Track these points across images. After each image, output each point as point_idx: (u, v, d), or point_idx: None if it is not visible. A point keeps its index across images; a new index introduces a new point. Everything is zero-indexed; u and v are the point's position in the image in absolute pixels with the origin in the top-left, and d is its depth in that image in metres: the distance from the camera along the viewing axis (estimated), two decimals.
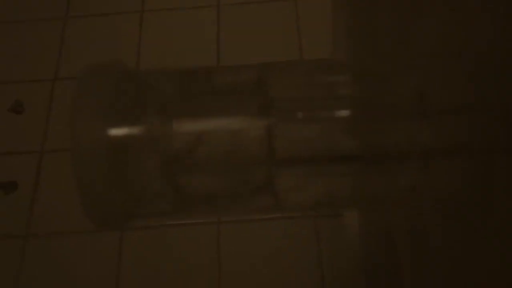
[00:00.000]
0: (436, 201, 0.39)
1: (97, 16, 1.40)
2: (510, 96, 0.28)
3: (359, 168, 0.36)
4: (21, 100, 1.28)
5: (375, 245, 0.75)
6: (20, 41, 1.37)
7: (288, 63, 0.36)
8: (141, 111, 0.33)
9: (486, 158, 0.32)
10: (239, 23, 1.37)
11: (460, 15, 0.34)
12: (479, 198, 0.33)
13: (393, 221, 0.59)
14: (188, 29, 1.37)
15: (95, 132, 0.31)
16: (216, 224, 1.12)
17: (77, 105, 0.31)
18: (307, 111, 0.34)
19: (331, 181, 0.36)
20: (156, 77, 0.34)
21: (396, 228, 0.57)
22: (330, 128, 0.34)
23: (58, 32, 1.38)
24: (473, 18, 0.32)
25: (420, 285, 0.50)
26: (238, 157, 0.33)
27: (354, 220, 0.96)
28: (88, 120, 0.32)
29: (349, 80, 0.35)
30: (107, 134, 0.32)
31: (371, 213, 0.75)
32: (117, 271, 1.08)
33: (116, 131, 0.32)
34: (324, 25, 1.34)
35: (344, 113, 0.34)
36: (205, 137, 0.33)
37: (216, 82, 0.34)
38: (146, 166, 0.33)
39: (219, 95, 0.34)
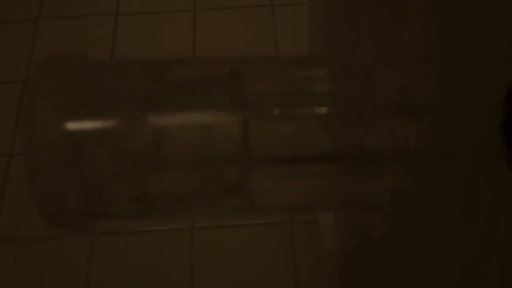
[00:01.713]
0: (419, 205, 0.37)
1: (71, 18, 1.38)
2: (496, 97, 0.27)
3: (339, 169, 0.34)
4: None
5: (352, 252, 0.73)
6: None
7: (264, 57, 0.34)
8: (103, 104, 0.30)
9: (473, 162, 0.30)
10: (215, 28, 1.35)
11: (446, 12, 0.33)
12: (464, 202, 0.32)
13: (371, 227, 0.57)
14: (163, 33, 1.35)
15: (51, 125, 0.29)
16: (189, 230, 1.10)
17: (32, 97, 0.29)
18: (284, 108, 0.32)
19: (309, 183, 0.34)
20: (121, 68, 0.32)
21: (374, 234, 0.56)
22: (309, 126, 0.33)
23: (29, 33, 1.35)
24: (460, 15, 0.31)
25: None
26: (210, 154, 0.31)
27: (330, 227, 0.94)
28: (43, 113, 0.29)
29: (329, 76, 0.34)
30: (64, 128, 0.29)
31: (349, 218, 0.74)
32: (86, 278, 1.06)
33: (74, 125, 0.30)
34: (301, 31, 1.33)
35: (323, 110, 0.33)
36: (174, 133, 0.31)
37: (187, 74, 0.32)
38: (108, 164, 0.31)
39: (190, 87, 0.32)
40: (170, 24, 1.36)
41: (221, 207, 0.33)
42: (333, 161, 0.33)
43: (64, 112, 0.29)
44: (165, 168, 0.31)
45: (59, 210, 0.31)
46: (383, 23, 0.41)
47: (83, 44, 1.33)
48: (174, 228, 1.10)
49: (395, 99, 0.32)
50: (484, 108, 0.28)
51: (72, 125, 0.29)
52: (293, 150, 0.32)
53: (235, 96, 0.31)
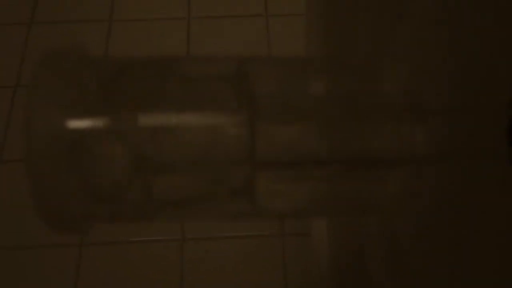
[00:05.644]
0: (422, 210, 0.37)
1: (63, 23, 1.36)
2: (503, 100, 0.27)
3: (343, 173, 0.33)
4: None
5: (346, 265, 0.72)
6: None
7: (269, 57, 0.33)
8: (105, 102, 0.29)
9: (478, 166, 0.30)
10: (209, 36, 1.35)
11: (450, 12, 0.32)
12: (469, 207, 0.31)
13: (367, 240, 0.56)
14: (157, 40, 1.34)
15: (52, 123, 0.28)
16: (180, 241, 1.09)
17: (32, 93, 0.28)
18: (291, 110, 0.31)
19: (314, 187, 0.33)
20: (124, 66, 0.31)
21: (370, 247, 0.55)
22: (315, 129, 0.32)
23: (22, 37, 1.33)
24: (464, 16, 0.30)
25: None
26: (215, 156, 0.30)
27: (323, 240, 0.93)
28: (44, 110, 0.28)
29: (332, 77, 0.33)
30: (65, 126, 0.28)
31: (343, 231, 0.73)
32: (74, 287, 1.04)
33: (75, 123, 0.29)
34: (295, 40, 1.33)
35: (328, 112, 0.32)
36: (179, 133, 0.30)
37: (191, 72, 0.31)
38: (110, 164, 0.30)
39: (195, 86, 0.31)
40: (164, 32, 1.35)
41: (224, 210, 0.32)
42: (338, 165, 0.32)
43: (65, 109, 0.28)
44: (169, 169, 0.29)
45: (58, 210, 0.29)
46: (385, 22, 0.40)
47: None
48: (164, 238, 1.09)
49: (401, 100, 0.31)
50: (491, 111, 0.28)
51: (72, 123, 0.28)
52: (298, 153, 0.31)
53: (242, 96, 0.30)
